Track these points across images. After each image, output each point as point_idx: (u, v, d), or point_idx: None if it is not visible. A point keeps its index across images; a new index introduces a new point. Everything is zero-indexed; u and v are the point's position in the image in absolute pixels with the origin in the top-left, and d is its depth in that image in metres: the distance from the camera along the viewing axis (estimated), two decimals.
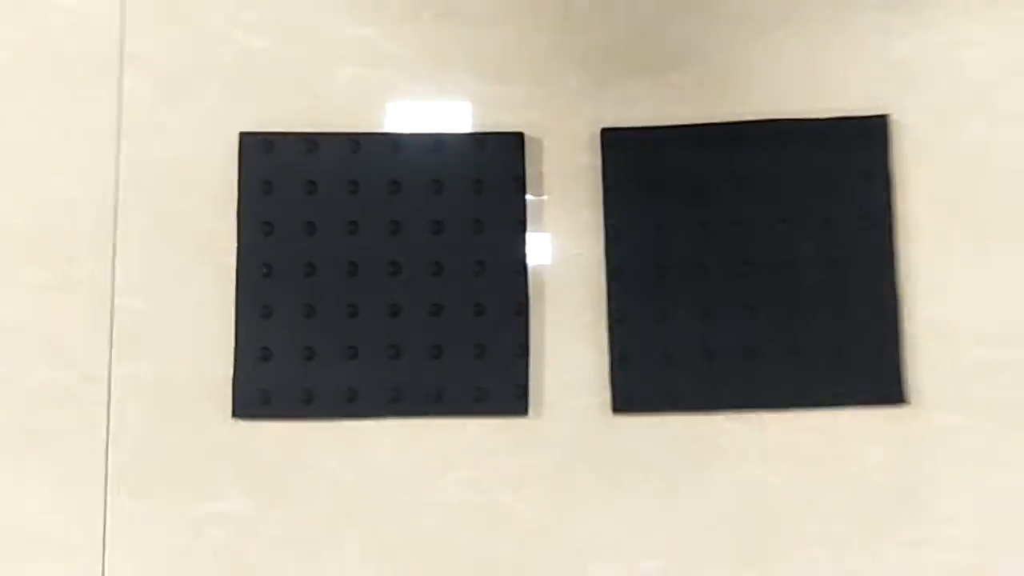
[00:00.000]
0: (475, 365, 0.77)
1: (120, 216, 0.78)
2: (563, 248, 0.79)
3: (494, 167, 0.79)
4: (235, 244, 0.78)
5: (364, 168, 0.78)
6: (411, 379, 0.77)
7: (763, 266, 0.76)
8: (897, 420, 0.76)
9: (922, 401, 0.76)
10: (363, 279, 0.77)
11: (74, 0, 0.80)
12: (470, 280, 0.77)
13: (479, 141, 0.79)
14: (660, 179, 0.78)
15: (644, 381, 0.76)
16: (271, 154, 0.78)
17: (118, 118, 0.79)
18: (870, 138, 0.78)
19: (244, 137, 0.79)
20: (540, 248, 0.79)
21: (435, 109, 0.80)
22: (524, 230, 0.78)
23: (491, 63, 0.80)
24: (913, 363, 0.76)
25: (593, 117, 0.79)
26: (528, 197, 0.78)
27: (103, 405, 0.76)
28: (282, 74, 0.80)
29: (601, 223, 0.78)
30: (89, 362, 0.77)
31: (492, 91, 0.80)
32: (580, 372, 0.77)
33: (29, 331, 0.77)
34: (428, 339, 0.77)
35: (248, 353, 0.77)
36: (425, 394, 0.77)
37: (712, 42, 0.80)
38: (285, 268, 0.77)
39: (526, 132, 0.79)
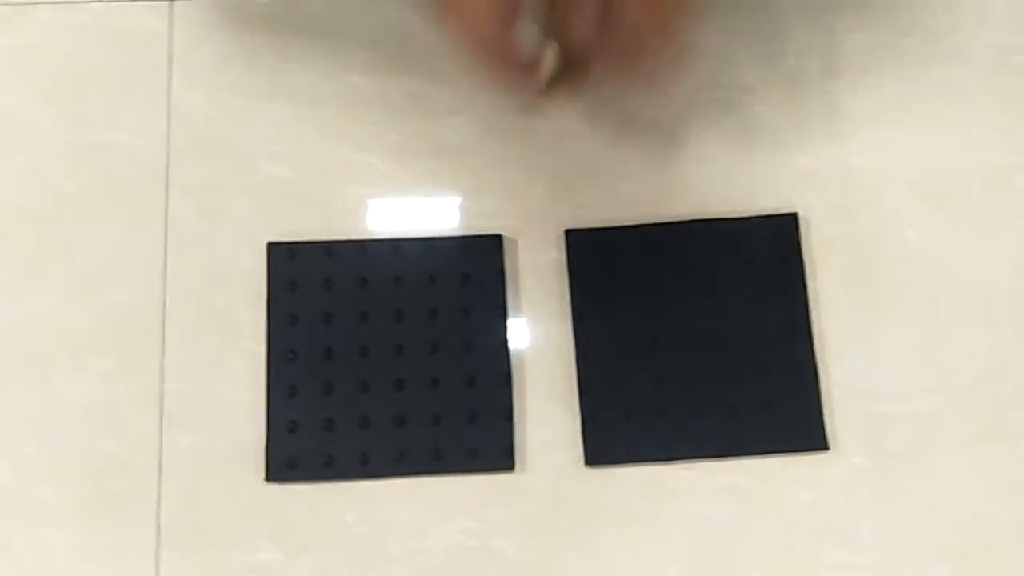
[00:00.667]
0: (468, 429, 0.91)
1: (167, 315, 0.93)
2: (538, 328, 0.94)
3: (478, 264, 0.94)
4: (265, 335, 0.92)
5: (371, 268, 0.93)
6: (414, 443, 0.90)
7: (701, 338, 0.92)
8: (820, 465, 0.91)
9: (839, 448, 0.91)
10: (373, 360, 0.92)
11: (127, 138, 0.96)
12: (462, 357, 0.92)
13: (465, 243, 0.94)
14: (615, 270, 0.94)
15: (610, 438, 0.91)
16: (294, 259, 0.93)
17: (164, 234, 0.95)
18: (783, 231, 0.95)
19: (271, 247, 0.94)
20: (519, 329, 0.94)
21: (428, 219, 0.96)
22: (505, 315, 0.93)
23: (472, 181, 0.96)
24: (830, 417, 0.92)
25: (558, 221, 0.95)
26: (507, 287, 0.94)
27: (155, 473, 0.89)
28: (302, 194, 0.95)
29: (569, 307, 0.94)
30: (142, 437, 0.90)
31: (474, 203, 0.96)
32: (557, 432, 0.91)
33: (93, 412, 0.90)
34: (428, 408, 0.91)
35: (278, 426, 0.90)
36: (426, 455, 0.90)
37: (653, 158, 0.97)
38: (307, 353, 0.92)
39: (504, 234, 0.95)
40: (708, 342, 0.92)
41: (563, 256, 0.94)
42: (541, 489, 0.90)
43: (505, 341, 0.93)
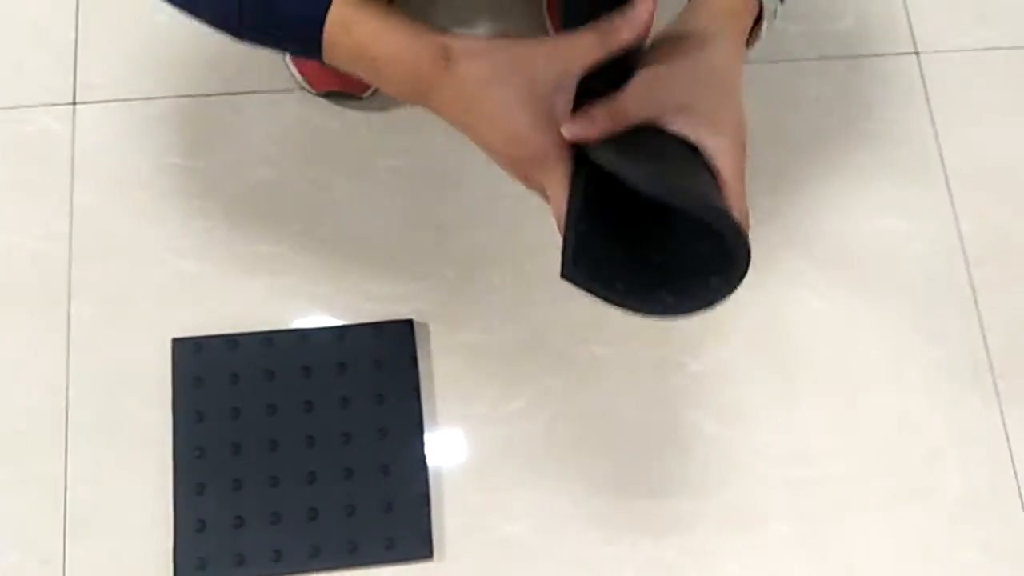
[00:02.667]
0: (384, 519, 0.88)
1: (70, 417, 0.90)
2: (453, 411, 0.92)
3: (390, 349, 0.93)
4: (171, 433, 0.89)
5: (279, 359, 0.92)
6: (329, 536, 0.87)
7: None
8: (748, 533, 0.90)
9: (763, 515, 0.91)
10: (283, 453, 0.89)
11: (30, 241, 0.95)
12: (375, 446, 0.90)
13: (375, 329, 0.94)
14: None
15: None
16: (199, 354, 0.92)
17: (67, 336, 0.92)
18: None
19: (176, 342, 0.92)
20: (434, 413, 0.92)
21: (336, 306, 0.95)
22: (419, 399, 0.92)
23: (381, 265, 0.96)
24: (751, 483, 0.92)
25: (469, 301, 0.96)
26: (420, 372, 0.92)
27: None
28: (208, 287, 0.94)
29: (483, 386, 0.93)
30: (46, 546, 0.86)
31: (383, 289, 0.96)
32: (476, 517, 0.89)
33: None
34: (342, 500, 0.88)
35: (185, 527, 0.87)
36: (342, 549, 0.87)
37: None
38: (214, 450, 0.89)
39: (414, 318, 0.95)
40: None
41: (474, 336, 0.94)
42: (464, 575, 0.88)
43: (420, 426, 0.91)
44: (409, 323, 0.94)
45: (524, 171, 0.65)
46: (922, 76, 1.04)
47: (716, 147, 0.61)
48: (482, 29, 1.03)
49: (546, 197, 0.65)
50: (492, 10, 1.04)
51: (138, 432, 0.90)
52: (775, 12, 0.68)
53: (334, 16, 0.63)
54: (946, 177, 1.01)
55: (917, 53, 1.05)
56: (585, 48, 0.62)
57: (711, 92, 0.62)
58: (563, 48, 0.62)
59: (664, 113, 0.61)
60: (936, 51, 1.05)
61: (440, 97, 0.64)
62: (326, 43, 0.64)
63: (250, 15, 0.63)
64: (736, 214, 0.61)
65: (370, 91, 0.99)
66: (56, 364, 0.92)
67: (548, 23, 1.01)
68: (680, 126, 0.61)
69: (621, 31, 0.61)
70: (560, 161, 0.63)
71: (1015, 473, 0.93)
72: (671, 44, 0.65)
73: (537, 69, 0.61)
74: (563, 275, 0.62)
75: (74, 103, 1.00)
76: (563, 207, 0.63)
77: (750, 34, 0.67)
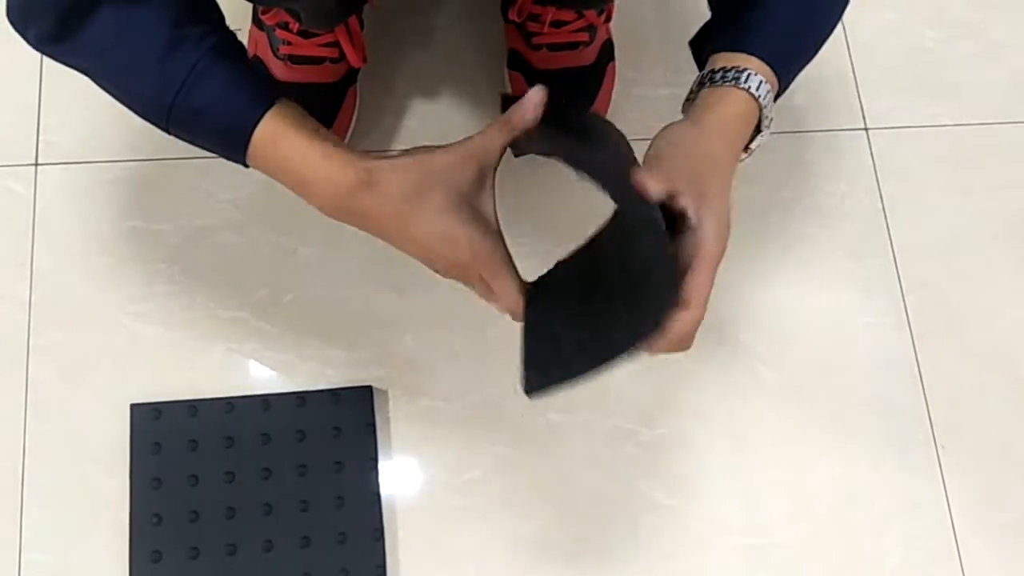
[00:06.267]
0: None
1: (26, 481, 0.90)
2: (412, 479, 0.94)
3: (349, 416, 0.94)
4: (128, 499, 0.90)
5: (239, 426, 0.93)
6: None
7: None
8: None
9: None
10: (240, 521, 0.90)
11: None
12: (333, 514, 0.91)
13: (335, 395, 0.95)
14: None
15: None
16: (158, 420, 0.92)
17: (24, 400, 0.93)
18: None
19: (134, 408, 0.92)
20: (392, 481, 0.93)
21: (297, 372, 0.96)
22: (377, 467, 0.93)
23: (342, 333, 0.97)
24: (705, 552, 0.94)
25: (428, 368, 0.97)
26: (378, 439, 0.94)
27: None
28: (168, 353, 0.95)
29: (441, 454, 0.94)
30: None
31: (343, 355, 0.97)
32: None
33: None
34: (299, 569, 0.89)
35: None
36: None
37: None
38: (172, 517, 0.89)
39: (374, 385, 0.96)
40: None
41: (436, 403, 0.95)
42: None
43: (377, 495, 0.92)
44: (369, 390, 0.95)
45: (464, 271, 0.70)
46: (871, 151, 1.08)
47: (709, 229, 0.64)
48: (446, 98, 1.05)
49: (487, 293, 0.71)
50: (456, 80, 1.06)
51: (95, 498, 0.90)
52: (770, 122, 0.73)
53: (263, 131, 0.67)
54: (893, 251, 1.05)
55: (867, 129, 1.09)
56: (492, 140, 0.68)
57: (713, 177, 0.67)
58: (474, 148, 0.68)
59: (678, 189, 0.64)
60: (885, 127, 1.09)
61: (364, 215, 0.69)
62: (251, 154, 0.69)
63: (179, 115, 0.67)
64: (693, 295, 0.63)
65: None
66: (14, 428, 0.92)
67: (510, 92, 1.04)
68: (687, 203, 0.64)
69: (518, 116, 0.68)
70: (496, 250, 0.68)
71: (955, 542, 0.96)
72: (679, 129, 0.70)
73: (456, 174, 0.67)
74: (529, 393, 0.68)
75: (36, 164, 1.00)
76: (513, 296, 0.69)
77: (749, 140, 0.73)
